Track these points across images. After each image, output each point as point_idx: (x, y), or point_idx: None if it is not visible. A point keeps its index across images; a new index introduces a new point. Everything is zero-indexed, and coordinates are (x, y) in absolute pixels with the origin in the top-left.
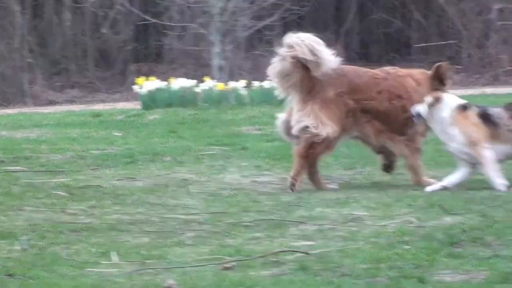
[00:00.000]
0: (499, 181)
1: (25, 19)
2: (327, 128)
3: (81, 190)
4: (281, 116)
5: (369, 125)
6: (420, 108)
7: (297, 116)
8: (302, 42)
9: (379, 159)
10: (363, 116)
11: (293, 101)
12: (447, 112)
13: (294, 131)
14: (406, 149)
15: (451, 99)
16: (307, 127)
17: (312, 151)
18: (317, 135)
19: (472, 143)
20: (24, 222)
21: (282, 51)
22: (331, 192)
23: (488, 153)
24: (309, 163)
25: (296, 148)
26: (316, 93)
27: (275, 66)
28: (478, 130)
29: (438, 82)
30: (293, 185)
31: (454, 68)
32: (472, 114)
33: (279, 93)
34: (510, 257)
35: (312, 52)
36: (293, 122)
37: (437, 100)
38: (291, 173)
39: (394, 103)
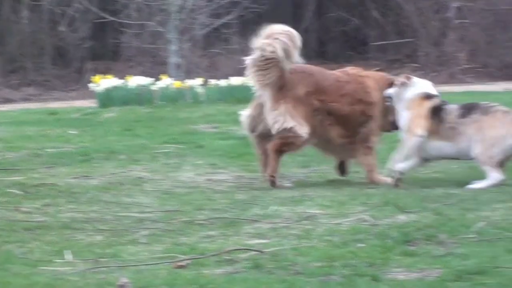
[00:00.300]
0: (399, 166)
1: None
2: (305, 129)
3: (35, 188)
4: (245, 112)
5: (331, 129)
6: (391, 91)
7: (273, 115)
8: (276, 41)
9: (334, 161)
10: (327, 118)
11: (265, 98)
12: (410, 95)
13: (275, 130)
14: (361, 148)
15: (421, 84)
16: (291, 128)
17: (287, 149)
18: (300, 136)
19: (408, 130)
20: None
21: (260, 48)
22: (285, 190)
23: (413, 142)
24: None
25: (271, 145)
26: (287, 91)
27: (255, 62)
28: (421, 122)
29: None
30: (273, 182)
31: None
32: (428, 105)
33: (256, 89)
34: (464, 255)
35: (286, 50)
36: (270, 121)
37: (407, 80)
38: (268, 171)
39: (354, 107)
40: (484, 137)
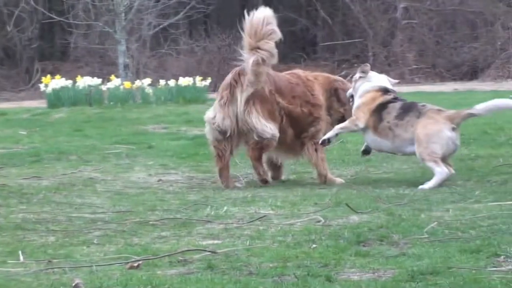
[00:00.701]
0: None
1: None
2: (277, 129)
3: None
4: (218, 114)
5: (287, 129)
6: (351, 90)
7: (255, 119)
8: (258, 53)
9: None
10: (285, 119)
11: (243, 97)
12: (367, 87)
13: (267, 136)
14: (310, 146)
15: (377, 79)
16: (273, 134)
17: (265, 150)
18: (276, 137)
19: (354, 113)
20: None
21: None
22: (237, 190)
23: (349, 127)
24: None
25: (251, 155)
26: (255, 91)
27: (254, 69)
28: (365, 114)
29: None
30: (265, 181)
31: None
32: (378, 99)
33: (253, 86)
34: (417, 255)
35: (269, 59)
36: (258, 127)
37: (364, 73)
38: (257, 176)
39: (303, 110)
40: (420, 137)
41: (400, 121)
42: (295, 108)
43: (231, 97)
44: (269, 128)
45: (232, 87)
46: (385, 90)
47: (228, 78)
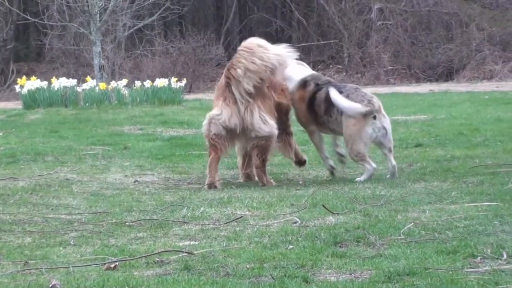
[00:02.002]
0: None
1: None
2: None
3: None
4: (224, 112)
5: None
6: None
7: (255, 117)
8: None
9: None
10: (276, 113)
11: (239, 91)
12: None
13: (255, 133)
14: (284, 137)
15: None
16: (272, 133)
17: (266, 154)
18: (273, 136)
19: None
20: None
21: None
22: (214, 191)
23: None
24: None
25: (256, 164)
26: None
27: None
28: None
29: None
30: (264, 184)
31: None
32: (306, 95)
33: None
34: (393, 256)
35: None
36: (256, 125)
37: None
38: (265, 183)
39: (286, 102)
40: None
41: (330, 118)
42: (283, 101)
43: (232, 95)
44: (267, 126)
45: (228, 86)
46: (304, 83)
47: (222, 78)
